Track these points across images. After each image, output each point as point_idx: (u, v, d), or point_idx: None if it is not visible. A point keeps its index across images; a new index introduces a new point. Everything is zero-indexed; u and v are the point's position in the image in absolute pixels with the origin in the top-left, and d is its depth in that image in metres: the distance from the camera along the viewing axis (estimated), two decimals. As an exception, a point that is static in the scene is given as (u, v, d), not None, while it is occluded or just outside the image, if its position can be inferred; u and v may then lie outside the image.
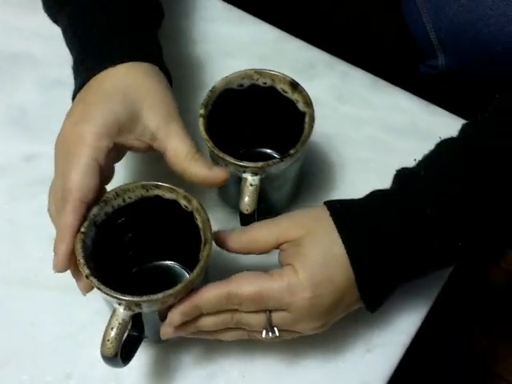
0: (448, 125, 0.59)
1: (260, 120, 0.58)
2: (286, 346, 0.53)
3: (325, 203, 0.50)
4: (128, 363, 0.49)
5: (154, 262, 0.56)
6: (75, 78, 0.54)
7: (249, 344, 0.53)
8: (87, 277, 0.46)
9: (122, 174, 0.57)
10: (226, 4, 0.74)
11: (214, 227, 0.49)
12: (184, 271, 0.56)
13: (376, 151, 0.64)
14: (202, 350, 0.54)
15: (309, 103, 0.55)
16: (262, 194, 0.53)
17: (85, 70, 0.52)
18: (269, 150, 0.61)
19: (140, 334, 0.51)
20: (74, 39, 0.55)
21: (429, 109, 0.67)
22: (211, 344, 0.53)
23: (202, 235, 0.48)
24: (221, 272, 0.50)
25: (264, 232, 0.50)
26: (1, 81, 0.69)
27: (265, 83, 0.57)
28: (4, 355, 0.54)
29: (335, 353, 0.54)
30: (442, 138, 0.52)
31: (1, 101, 0.68)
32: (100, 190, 0.49)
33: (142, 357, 0.54)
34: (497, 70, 0.66)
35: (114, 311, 0.47)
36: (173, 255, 0.56)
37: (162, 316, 0.48)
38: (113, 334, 0.46)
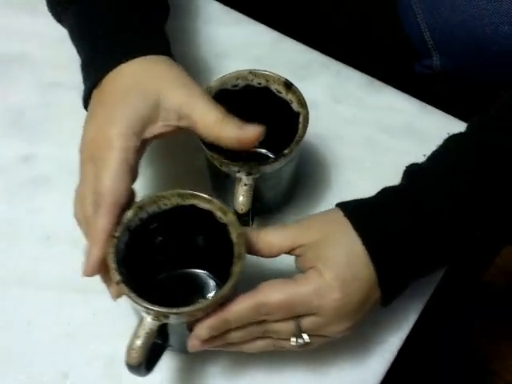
0: (443, 125, 0.59)
1: (254, 120, 0.58)
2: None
3: (337, 205, 0.50)
4: (151, 371, 0.48)
5: (183, 269, 0.55)
6: (85, 78, 0.54)
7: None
8: (118, 283, 0.45)
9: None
10: (222, 6, 0.75)
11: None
12: (211, 279, 0.55)
13: (371, 151, 0.65)
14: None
15: (303, 103, 0.55)
16: (256, 194, 0.53)
17: (95, 71, 0.52)
18: (263, 150, 0.62)
19: (164, 342, 0.50)
20: (81, 38, 0.55)
21: (424, 109, 0.67)
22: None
23: (236, 250, 0.47)
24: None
25: (279, 237, 0.49)
26: (-1, 82, 0.70)
27: (259, 84, 0.57)
28: (1, 355, 0.54)
29: (332, 351, 0.54)
30: (450, 133, 0.52)
31: (-1, 102, 0.68)
32: (132, 192, 0.49)
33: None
34: (492, 71, 0.66)
35: (142, 320, 0.46)
36: (202, 264, 0.55)
37: (189, 327, 0.47)
38: (139, 343, 0.45)
